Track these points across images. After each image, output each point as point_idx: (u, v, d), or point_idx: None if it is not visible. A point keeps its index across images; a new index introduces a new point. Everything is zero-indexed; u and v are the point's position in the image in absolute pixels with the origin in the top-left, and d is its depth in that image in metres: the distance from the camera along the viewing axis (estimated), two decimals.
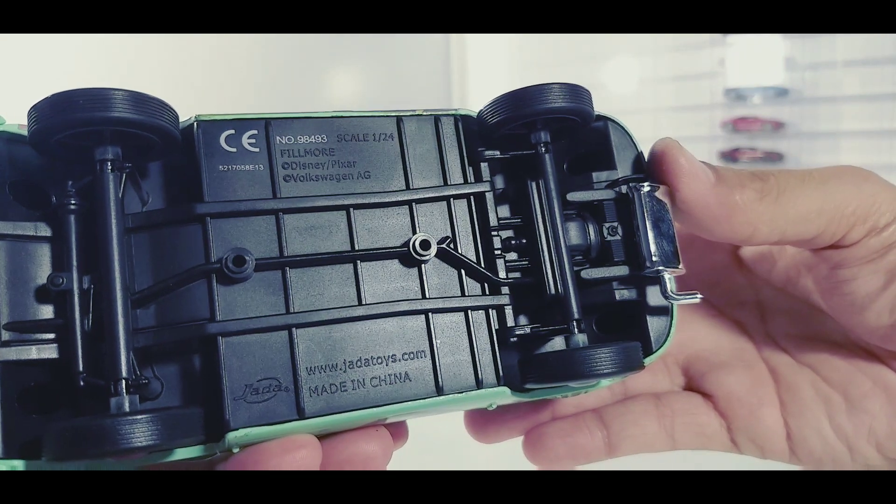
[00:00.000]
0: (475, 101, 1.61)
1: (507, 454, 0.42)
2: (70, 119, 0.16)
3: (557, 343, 0.21)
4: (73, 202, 0.17)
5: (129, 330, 0.16)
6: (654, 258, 0.20)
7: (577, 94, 0.21)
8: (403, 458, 0.24)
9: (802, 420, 0.25)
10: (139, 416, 0.15)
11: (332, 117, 0.20)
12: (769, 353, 0.27)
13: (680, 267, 0.22)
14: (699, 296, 0.22)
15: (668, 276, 0.21)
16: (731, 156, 1.23)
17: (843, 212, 0.22)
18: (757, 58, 1.18)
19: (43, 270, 0.17)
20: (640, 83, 1.34)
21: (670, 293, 0.21)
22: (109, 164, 0.16)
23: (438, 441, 0.43)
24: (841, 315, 0.24)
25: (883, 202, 0.22)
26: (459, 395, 0.19)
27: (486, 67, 1.60)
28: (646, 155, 0.25)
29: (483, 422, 0.26)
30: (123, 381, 0.16)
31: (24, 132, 0.17)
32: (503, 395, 0.19)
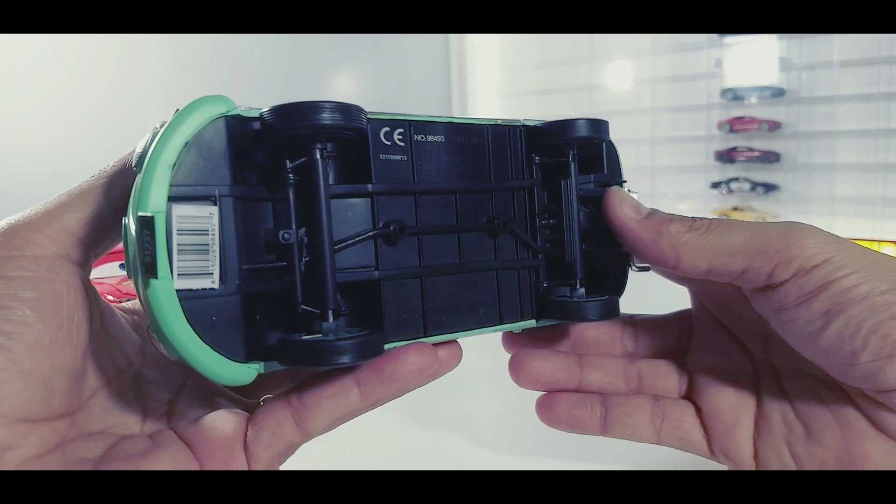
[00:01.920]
0: (474, 100, 1.62)
1: (507, 454, 0.43)
2: (313, 123, 0.21)
3: (564, 292, 0.29)
4: (292, 177, 0.22)
5: (334, 271, 0.22)
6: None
7: (601, 126, 0.29)
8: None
9: (767, 444, 0.27)
10: (348, 341, 0.21)
11: (447, 122, 0.27)
12: (764, 380, 0.29)
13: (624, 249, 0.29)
14: (649, 267, 0.29)
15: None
16: (727, 155, 1.23)
17: (768, 250, 0.24)
18: (753, 58, 1.19)
19: (264, 227, 0.23)
20: (637, 83, 1.35)
21: (632, 263, 0.30)
22: (323, 152, 0.22)
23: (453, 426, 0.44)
24: (802, 352, 0.26)
25: (812, 246, 0.24)
26: (509, 324, 0.28)
27: (485, 67, 1.60)
28: (623, 167, 0.32)
29: (516, 342, 0.31)
30: (331, 311, 0.22)
31: (254, 114, 0.23)
32: (531, 324, 0.29)
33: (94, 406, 0.23)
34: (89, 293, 0.23)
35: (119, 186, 0.23)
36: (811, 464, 0.26)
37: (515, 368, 0.30)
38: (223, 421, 0.23)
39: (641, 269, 0.30)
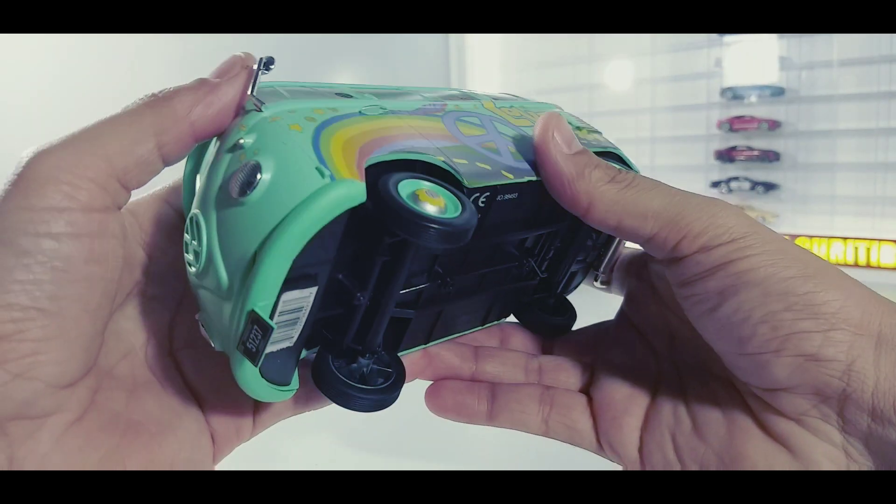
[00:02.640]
0: None
1: (506, 455, 0.43)
2: (433, 245, 0.20)
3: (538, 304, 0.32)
4: (386, 255, 0.22)
5: (385, 325, 0.23)
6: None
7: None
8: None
9: (652, 436, 0.26)
10: (371, 396, 0.22)
11: (517, 183, 0.25)
12: (664, 377, 0.28)
13: (600, 271, 0.32)
14: (605, 287, 0.32)
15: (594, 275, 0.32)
16: (727, 154, 1.23)
17: (678, 221, 0.23)
18: (753, 58, 1.19)
19: (335, 278, 0.22)
20: (637, 83, 1.35)
21: (594, 284, 0.32)
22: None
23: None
24: (700, 332, 0.25)
25: (724, 224, 0.22)
26: (485, 325, 0.30)
27: (484, 67, 1.60)
28: None
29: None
30: (370, 353, 0.23)
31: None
32: (494, 323, 0.31)
33: (108, 338, 0.22)
34: (128, 238, 0.22)
35: (174, 134, 0.21)
36: (692, 458, 0.25)
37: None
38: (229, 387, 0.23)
39: (602, 287, 0.32)
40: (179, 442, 0.22)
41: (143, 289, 0.24)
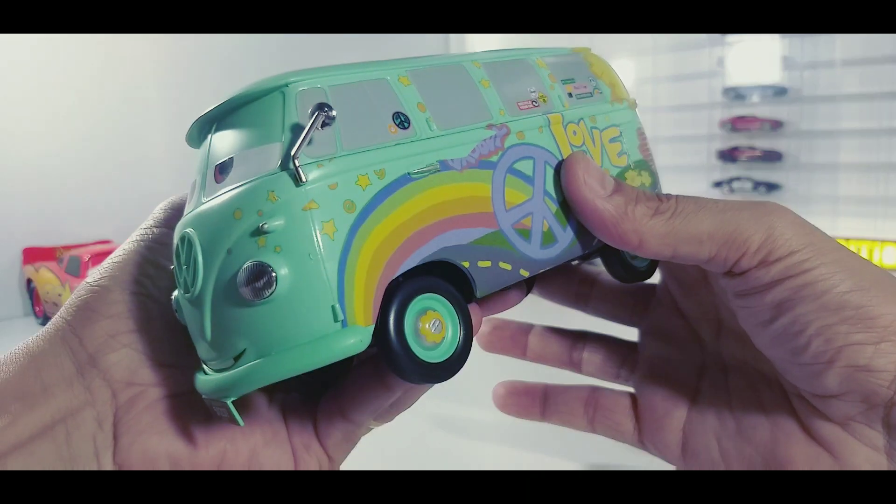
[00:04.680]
0: None
1: (506, 454, 0.43)
2: (416, 382, 0.21)
3: None
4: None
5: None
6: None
7: None
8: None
9: (696, 437, 0.27)
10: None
11: None
12: (709, 372, 0.29)
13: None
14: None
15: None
16: (729, 154, 1.23)
17: (736, 239, 0.23)
18: (755, 57, 1.19)
19: None
20: (639, 82, 1.35)
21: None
22: None
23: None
24: (753, 339, 0.25)
25: (781, 236, 0.22)
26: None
27: None
28: None
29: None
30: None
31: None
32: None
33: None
34: None
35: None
36: (738, 460, 0.26)
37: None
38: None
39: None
40: (265, 437, 0.25)
41: None
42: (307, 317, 0.19)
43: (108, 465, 0.22)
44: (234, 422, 0.20)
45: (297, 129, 0.20)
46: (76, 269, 0.89)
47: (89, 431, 0.22)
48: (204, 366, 0.21)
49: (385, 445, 0.43)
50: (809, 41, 1.13)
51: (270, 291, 0.18)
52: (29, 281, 0.98)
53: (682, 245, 0.23)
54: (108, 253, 0.93)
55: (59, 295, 0.90)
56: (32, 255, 1.01)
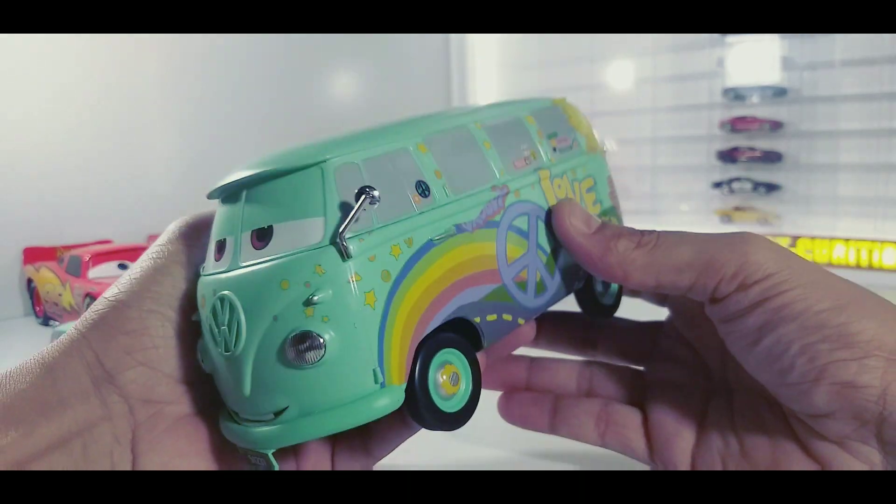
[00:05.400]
0: (475, 101, 1.61)
1: (505, 454, 0.42)
2: (431, 428, 0.25)
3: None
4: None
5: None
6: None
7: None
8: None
9: (703, 458, 0.28)
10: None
11: None
12: (716, 396, 0.30)
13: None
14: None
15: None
16: (729, 155, 1.23)
17: (713, 266, 0.24)
18: (755, 58, 1.19)
19: None
20: (638, 83, 1.35)
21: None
22: None
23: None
24: (743, 364, 0.26)
25: (755, 261, 0.23)
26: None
27: (485, 67, 1.60)
28: None
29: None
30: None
31: None
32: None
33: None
34: None
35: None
36: None
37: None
38: None
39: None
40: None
41: None
42: (351, 380, 0.21)
43: None
44: (271, 468, 0.22)
45: (343, 206, 0.21)
46: (77, 269, 0.89)
47: (106, 446, 0.22)
48: (233, 415, 0.23)
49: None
50: (809, 42, 1.13)
51: (319, 357, 0.20)
52: (29, 281, 0.98)
53: (663, 275, 0.25)
54: (109, 253, 0.93)
55: (60, 295, 0.90)
56: (33, 254, 1.01)
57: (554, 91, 1.43)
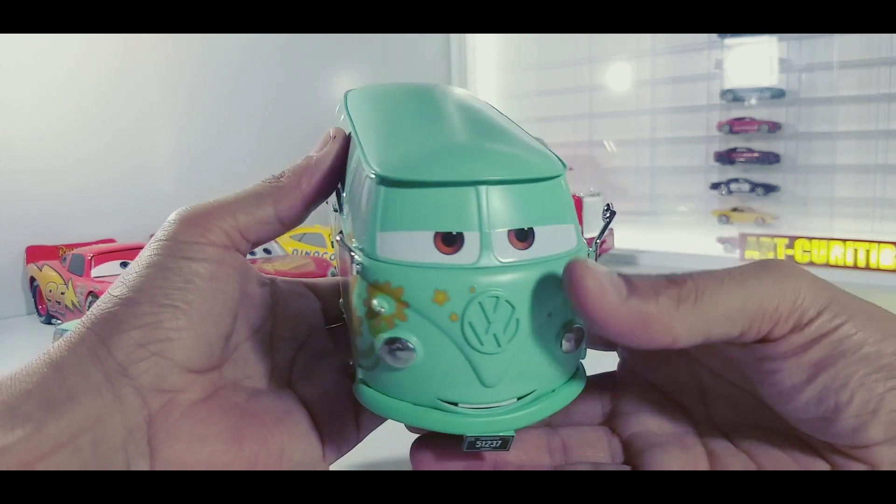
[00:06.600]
0: None
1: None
2: None
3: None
4: None
5: None
6: None
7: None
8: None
9: None
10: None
11: None
12: (709, 437, 0.27)
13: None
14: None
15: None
16: (727, 156, 1.24)
17: (766, 309, 0.22)
18: (753, 59, 1.19)
19: None
20: (637, 84, 1.35)
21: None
22: None
23: None
24: (773, 403, 0.24)
25: (806, 297, 0.22)
26: None
27: (485, 68, 1.61)
28: None
29: None
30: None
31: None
32: None
33: (236, 359, 0.27)
34: (246, 273, 0.28)
35: (287, 202, 0.27)
36: None
37: None
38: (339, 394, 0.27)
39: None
40: (290, 433, 0.26)
41: (272, 329, 0.29)
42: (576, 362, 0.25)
43: None
44: (505, 447, 0.24)
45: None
46: (79, 268, 0.89)
47: (119, 439, 0.22)
48: (446, 407, 0.22)
49: (384, 445, 0.43)
50: (807, 43, 1.14)
51: (581, 346, 0.23)
52: (32, 279, 0.99)
53: (714, 329, 0.22)
54: (111, 252, 0.93)
55: (62, 293, 0.90)
56: (35, 253, 1.01)
57: (554, 92, 1.43)
